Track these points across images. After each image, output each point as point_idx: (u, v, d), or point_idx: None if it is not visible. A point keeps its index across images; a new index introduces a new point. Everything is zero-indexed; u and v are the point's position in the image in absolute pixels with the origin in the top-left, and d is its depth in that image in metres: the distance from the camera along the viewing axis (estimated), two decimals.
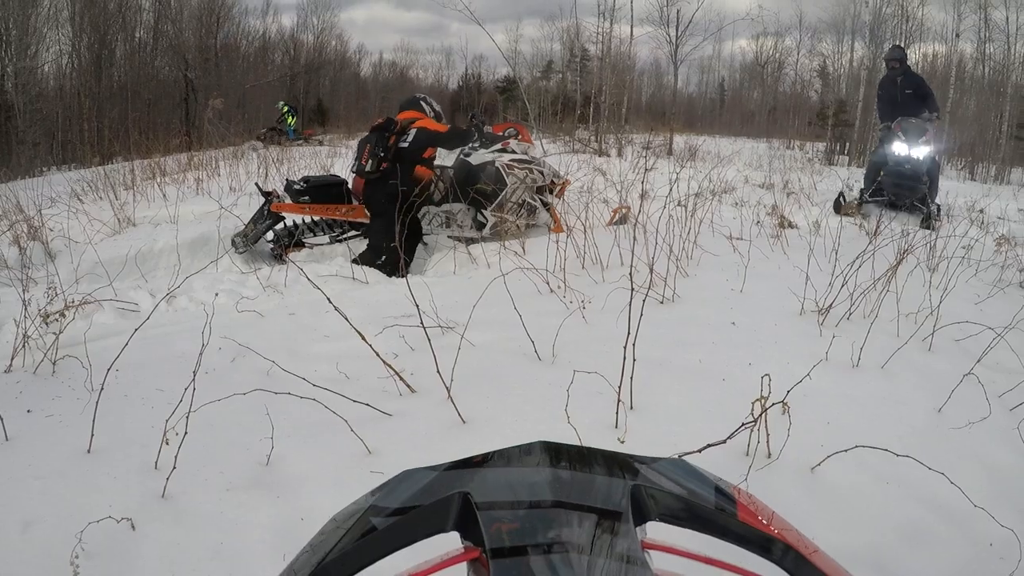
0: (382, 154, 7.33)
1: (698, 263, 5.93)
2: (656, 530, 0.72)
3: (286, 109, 16.48)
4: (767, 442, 2.95)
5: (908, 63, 11.44)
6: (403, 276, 6.16)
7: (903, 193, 9.86)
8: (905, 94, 10.82)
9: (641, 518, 0.67)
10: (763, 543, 0.67)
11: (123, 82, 37.21)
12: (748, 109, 44.08)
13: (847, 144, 31.46)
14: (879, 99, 11.52)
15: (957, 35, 31.00)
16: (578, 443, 3.04)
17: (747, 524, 0.68)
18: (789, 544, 0.67)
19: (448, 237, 7.37)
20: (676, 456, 0.75)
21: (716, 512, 0.68)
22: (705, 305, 4.89)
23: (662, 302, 4.91)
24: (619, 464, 0.73)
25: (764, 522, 0.69)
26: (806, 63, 46.28)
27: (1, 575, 2.53)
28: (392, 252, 6.44)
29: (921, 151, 9.93)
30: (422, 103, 8.19)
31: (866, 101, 30.00)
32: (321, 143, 14.81)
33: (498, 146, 7.45)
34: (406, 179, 7.17)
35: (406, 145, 7.41)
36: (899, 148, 10.04)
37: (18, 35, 32.25)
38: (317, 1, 52.96)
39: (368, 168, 7.30)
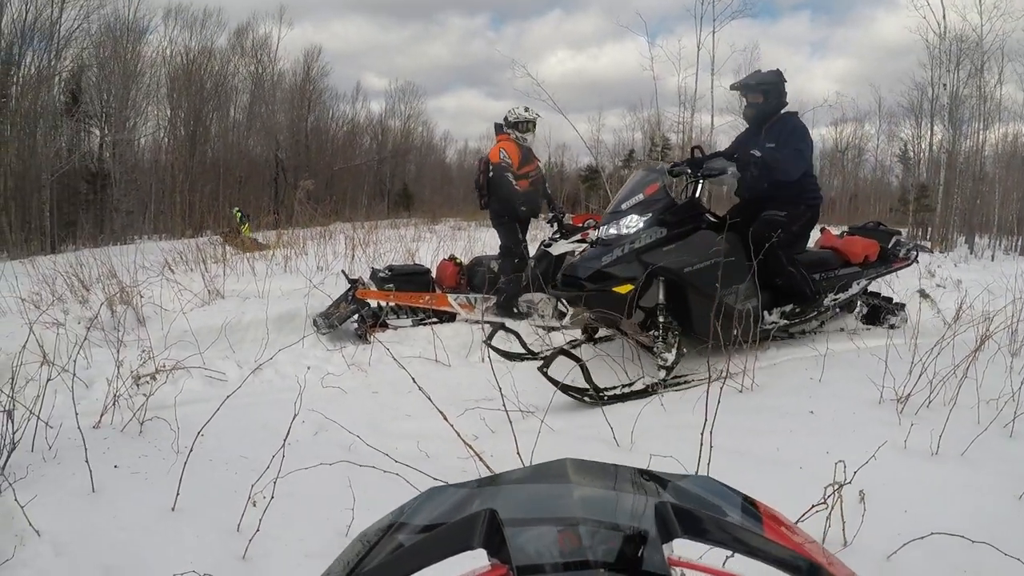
0: (480, 191, 8.40)
1: (777, 350, 5.92)
2: (682, 547, 0.72)
3: (239, 216, 16.75)
4: (843, 529, 2.91)
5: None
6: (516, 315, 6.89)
7: None
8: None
9: (667, 535, 0.67)
10: (789, 559, 0.67)
11: (216, 158, 38.60)
12: (829, 196, 43.61)
13: (929, 229, 30.92)
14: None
15: None
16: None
17: (773, 541, 0.68)
18: (815, 561, 0.67)
19: (530, 325, 7.41)
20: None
21: (742, 529, 0.69)
22: (783, 394, 4.84)
23: (741, 391, 4.88)
24: (645, 481, 0.75)
25: (790, 538, 0.70)
26: (885, 148, 45.84)
27: None
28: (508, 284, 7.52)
29: None
30: (503, 125, 8.44)
31: (946, 184, 29.54)
32: (266, 249, 14.59)
33: (578, 237, 7.58)
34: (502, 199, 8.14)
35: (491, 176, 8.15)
36: None
37: (118, 108, 33.70)
38: (405, 88, 54.24)
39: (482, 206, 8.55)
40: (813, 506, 2.75)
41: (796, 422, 4.32)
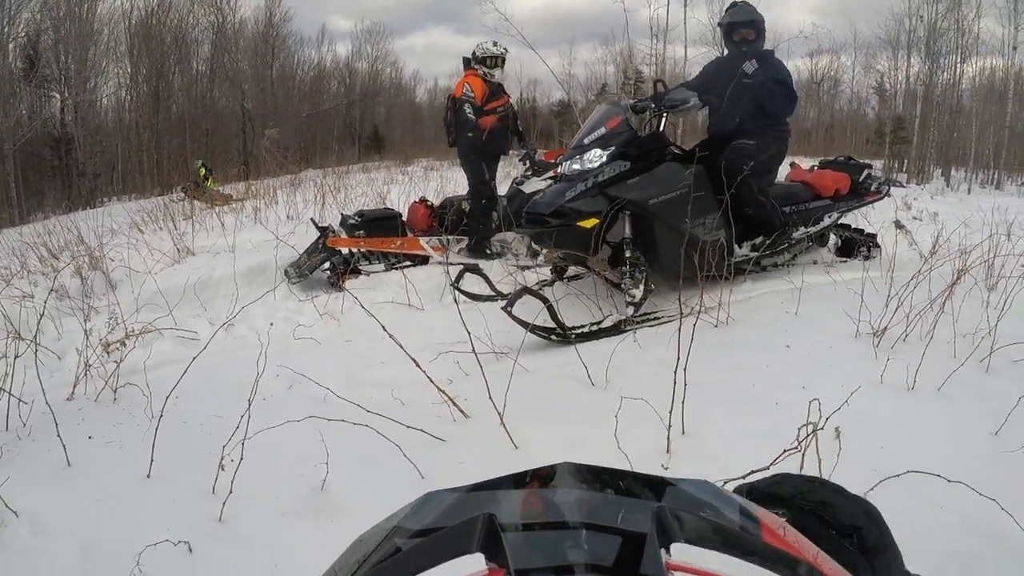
0: (448, 129, 8.35)
1: (752, 283, 5.94)
2: (681, 552, 0.70)
3: (203, 170, 16.61)
4: (819, 467, 2.91)
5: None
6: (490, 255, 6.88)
7: None
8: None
9: (666, 539, 0.66)
10: (788, 564, 0.66)
11: (181, 113, 37.98)
12: (804, 128, 43.51)
13: (905, 161, 31.04)
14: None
15: (1014, 48, 30.55)
16: (616, 466, 3.06)
17: (772, 545, 0.67)
18: (813, 565, 0.66)
19: (503, 265, 7.35)
20: (705, 478, 0.74)
21: (741, 533, 0.67)
22: (759, 328, 4.84)
23: (716, 325, 4.88)
24: (644, 485, 0.72)
25: (789, 543, 0.68)
26: (862, 80, 45.71)
27: None
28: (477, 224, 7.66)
29: None
30: (471, 61, 8.33)
31: (923, 117, 29.61)
32: (233, 202, 14.54)
33: (551, 173, 7.45)
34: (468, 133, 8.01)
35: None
36: None
37: (77, 69, 33.05)
38: (371, 29, 53.51)
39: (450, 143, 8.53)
40: (785, 451, 2.73)
41: (772, 356, 4.32)
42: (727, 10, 6.45)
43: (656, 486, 0.72)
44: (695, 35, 25.16)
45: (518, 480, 0.73)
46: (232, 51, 41.59)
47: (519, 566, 0.61)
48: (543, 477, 0.74)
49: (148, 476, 3.29)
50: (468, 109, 7.91)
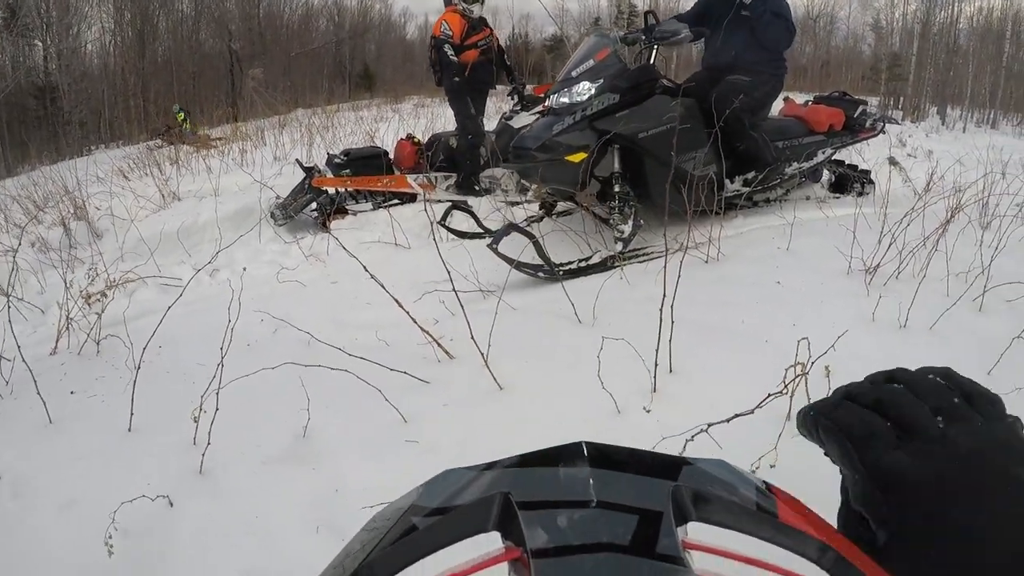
0: (434, 68, 8.23)
1: (744, 219, 5.87)
2: (697, 531, 0.67)
3: (181, 115, 16.49)
4: None
5: None
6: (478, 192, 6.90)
7: None
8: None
9: (682, 518, 0.64)
10: (803, 543, 0.64)
11: (167, 57, 37.62)
12: (800, 64, 43.22)
13: (901, 99, 30.92)
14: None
15: None
16: (602, 405, 2.98)
17: (788, 524, 0.65)
18: (829, 544, 0.64)
19: (493, 201, 7.28)
20: (715, 458, 0.71)
21: (757, 513, 0.66)
22: (750, 264, 4.78)
23: (706, 261, 4.82)
24: (660, 465, 0.69)
25: (805, 522, 0.66)
26: (859, 17, 45.34)
27: (39, 556, 2.57)
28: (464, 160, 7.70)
29: None
30: None
31: (919, 55, 29.44)
32: (213, 146, 14.55)
33: (540, 108, 7.31)
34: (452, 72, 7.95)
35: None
36: None
37: (58, 15, 32.65)
38: None
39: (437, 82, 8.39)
40: (770, 394, 2.66)
41: (762, 293, 4.26)
42: None
43: (672, 465, 0.69)
44: None
45: (534, 459, 0.71)
46: None
47: (535, 545, 0.60)
48: (559, 455, 0.72)
49: (129, 430, 3.28)
50: (448, 49, 7.84)
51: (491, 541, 0.63)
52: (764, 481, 0.70)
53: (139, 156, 11.59)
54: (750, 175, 5.91)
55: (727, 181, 5.78)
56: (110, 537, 2.41)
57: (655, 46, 5.54)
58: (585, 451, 0.72)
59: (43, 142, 27.90)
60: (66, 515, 2.74)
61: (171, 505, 2.67)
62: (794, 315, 3.82)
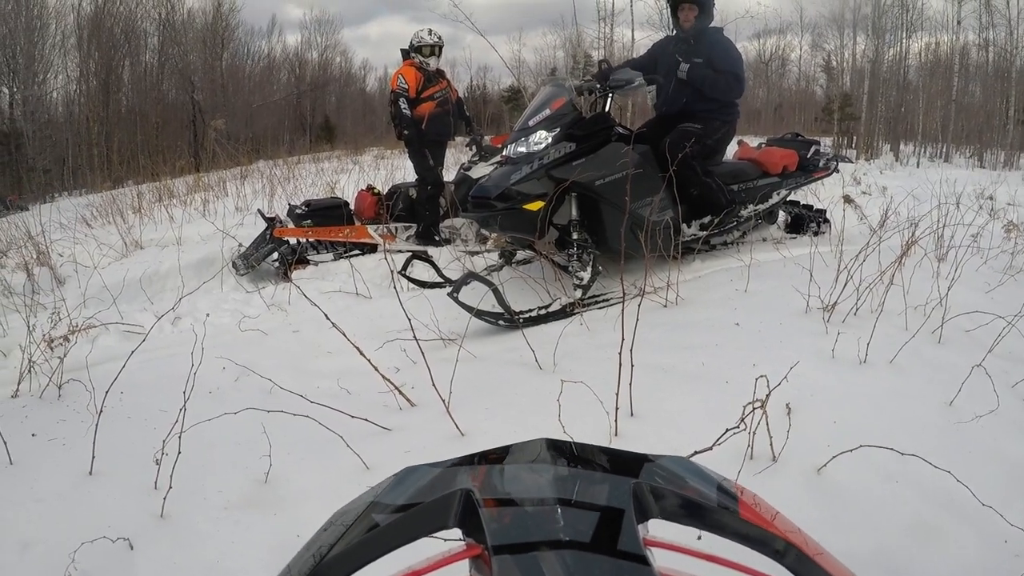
0: (394, 121, 8.24)
1: (702, 262, 5.96)
2: (659, 528, 0.71)
3: None
4: (770, 444, 2.89)
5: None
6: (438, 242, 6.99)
7: None
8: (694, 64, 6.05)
9: (643, 515, 0.68)
10: (765, 540, 0.67)
11: (131, 106, 37.91)
12: (754, 107, 43.80)
13: (854, 138, 31.43)
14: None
15: (959, 22, 31.12)
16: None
17: (749, 522, 0.68)
18: (790, 542, 0.67)
19: (453, 251, 7.33)
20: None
21: (718, 510, 0.69)
22: (709, 307, 4.83)
23: (665, 305, 4.87)
24: (622, 462, 0.74)
25: (766, 519, 0.69)
26: (809, 59, 46.17)
27: None
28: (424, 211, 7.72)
29: None
30: (409, 51, 8.31)
31: (871, 93, 29.99)
32: (25, 209, 14.69)
33: (498, 158, 7.37)
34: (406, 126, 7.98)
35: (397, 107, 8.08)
36: None
37: (25, 63, 32.86)
38: (320, 20, 53.20)
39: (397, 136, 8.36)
40: (728, 429, 2.70)
41: (722, 335, 4.30)
42: None
43: (634, 462, 0.74)
44: (642, 17, 25.34)
45: (496, 456, 0.76)
46: (181, 43, 41.20)
47: (496, 542, 0.63)
48: (521, 452, 0.77)
49: (90, 473, 3.26)
50: (403, 103, 7.93)
51: (453, 538, 0.68)
52: (726, 478, 0.73)
53: (102, 204, 11.54)
54: (706, 219, 6.00)
55: (684, 226, 5.86)
56: None
57: (609, 94, 5.64)
58: (546, 448, 0.76)
59: (6, 188, 27.88)
60: (27, 554, 2.73)
61: (131, 548, 2.65)
62: (754, 355, 3.84)
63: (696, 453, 2.56)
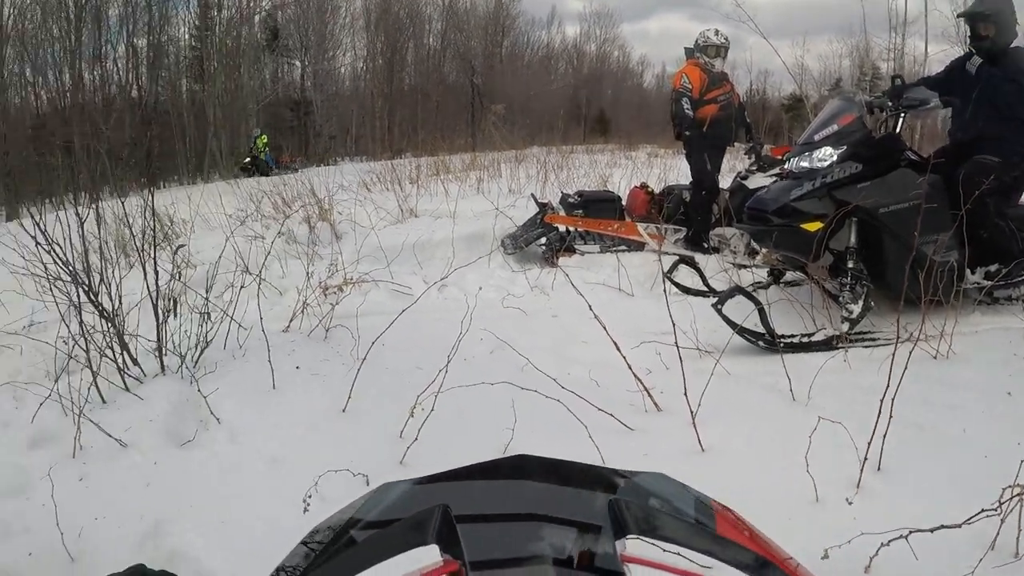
0: (674, 120, 8.04)
1: (981, 316, 5.36)
2: (636, 544, 0.71)
3: (264, 138, 16.65)
4: (1017, 538, 2.53)
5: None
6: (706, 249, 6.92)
7: None
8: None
9: (621, 531, 0.67)
10: (741, 556, 0.66)
11: (413, 85, 40.28)
12: None
13: None
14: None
15: None
16: (803, 491, 2.88)
17: (726, 538, 0.67)
18: (768, 558, 0.66)
19: (719, 261, 7.17)
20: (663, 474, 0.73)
21: (695, 526, 0.68)
22: (981, 368, 4.39)
23: (935, 357, 4.49)
24: (599, 478, 0.73)
25: (743, 536, 0.69)
26: None
27: (244, 499, 2.89)
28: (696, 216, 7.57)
29: None
30: (693, 50, 8.11)
31: None
32: (296, 171, 15.10)
33: (777, 170, 7.09)
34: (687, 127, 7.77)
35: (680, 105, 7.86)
36: None
37: (316, 40, 36.47)
38: (600, 13, 53.55)
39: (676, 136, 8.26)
40: (983, 510, 2.44)
41: (990, 402, 3.90)
42: None
43: (611, 479, 0.73)
44: (936, 30, 23.53)
45: (475, 471, 0.75)
46: (463, 28, 42.97)
47: (474, 558, 0.63)
48: (500, 469, 0.76)
49: (344, 411, 3.54)
50: (686, 103, 7.74)
51: (430, 554, 0.68)
52: (704, 495, 0.73)
53: (381, 171, 12.17)
54: (993, 267, 5.42)
55: (968, 271, 5.37)
56: (309, 497, 2.63)
57: (902, 114, 5.30)
58: (525, 464, 0.75)
59: (294, 149, 30.22)
60: (275, 469, 2.98)
61: (367, 484, 2.82)
62: (1021, 432, 3.46)
63: (942, 527, 2.39)
